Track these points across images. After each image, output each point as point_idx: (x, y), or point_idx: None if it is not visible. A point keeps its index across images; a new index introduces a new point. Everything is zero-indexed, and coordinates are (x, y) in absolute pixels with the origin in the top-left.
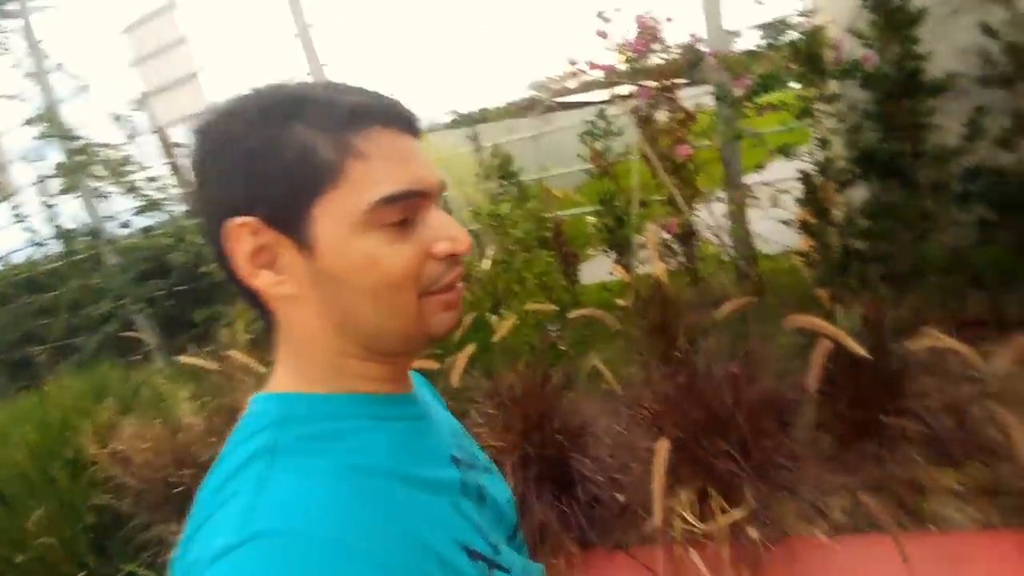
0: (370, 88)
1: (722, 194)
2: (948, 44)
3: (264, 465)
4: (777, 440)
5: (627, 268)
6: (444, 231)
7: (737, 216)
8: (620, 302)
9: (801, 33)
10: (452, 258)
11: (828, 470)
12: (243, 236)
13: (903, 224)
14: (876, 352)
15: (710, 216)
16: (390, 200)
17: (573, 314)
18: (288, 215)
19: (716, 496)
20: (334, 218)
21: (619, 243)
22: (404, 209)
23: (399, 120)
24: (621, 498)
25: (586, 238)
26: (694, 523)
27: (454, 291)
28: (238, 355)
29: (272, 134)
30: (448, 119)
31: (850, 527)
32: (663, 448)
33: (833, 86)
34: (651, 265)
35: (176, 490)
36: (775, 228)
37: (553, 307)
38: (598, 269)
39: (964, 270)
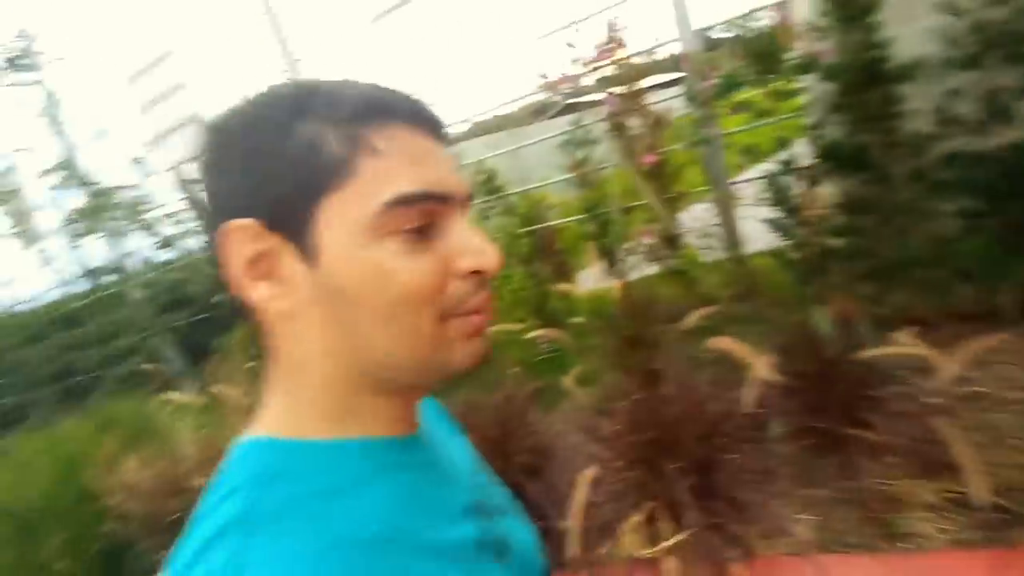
0: (392, 86)
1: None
2: (914, 26)
3: (238, 543)
4: (738, 454)
5: (617, 276)
6: (470, 244)
7: (724, 217)
8: (577, 320)
9: (756, 32)
10: (478, 277)
11: (794, 485)
12: (241, 240)
13: (879, 218)
14: (841, 359)
15: (695, 218)
16: (405, 201)
17: (529, 335)
18: (290, 217)
19: (665, 519)
20: (342, 222)
21: (606, 251)
22: (422, 214)
23: (421, 119)
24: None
25: (583, 246)
26: (639, 546)
27: (480, 316)
28: (227, 390)
29: (278, 128)
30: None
31: (816, 545)
32: (585, 479)
33: (799, 82)
34: (600, 282)
35: (172, 518)
36: (765, 226)
37: (519, 326)
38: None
39: (949, 263)
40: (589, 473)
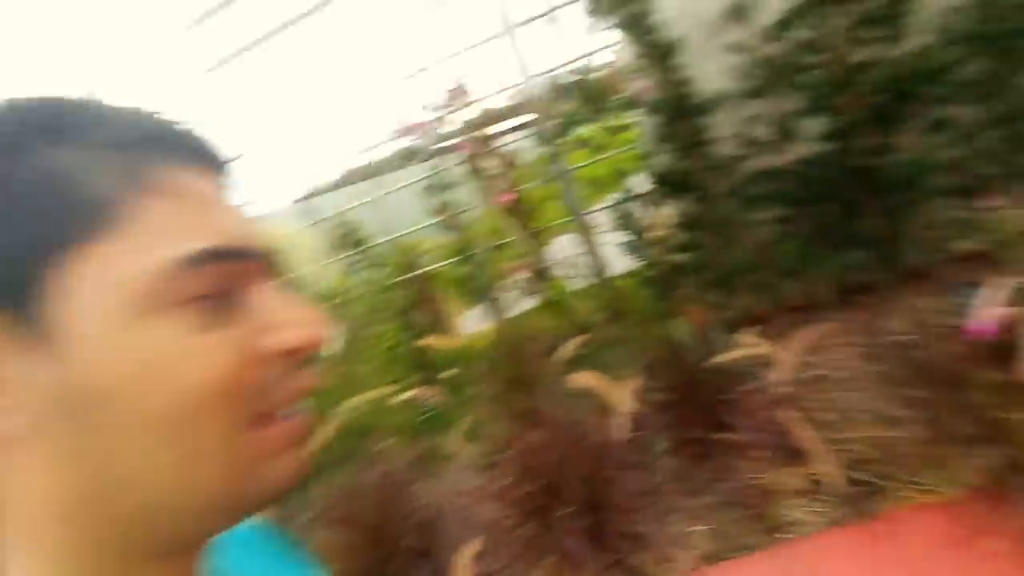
0: (171, 115)
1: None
2: (713, 64)
3: None
4: (623, 483)
5: (495, 316)
6: (282, 314)
7: (586, 245)
8: (454, 372)
9: (590, 73)
10: (295, 357)
11: (680, 498)
12: None
13: (711, 232)
14: (699, 367)
15: (561, 250)
16: (200, 259)
17: (406, 396)
18: (10, 283)
19: (566, 570)
20: (100, 288)
21: (482, 292)
22: (219, 277)
23: (208, 158)
24: None
25: (460, 290)
26: None
27: (299, 420)
28: None
29: (5, 156)
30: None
31: (713, 553)
32: (465, 557)
33: (631, 117)
34: (479, 324)
35: None
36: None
37: (393, 388)
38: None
39: (772, 264)
40: (470, 551)
